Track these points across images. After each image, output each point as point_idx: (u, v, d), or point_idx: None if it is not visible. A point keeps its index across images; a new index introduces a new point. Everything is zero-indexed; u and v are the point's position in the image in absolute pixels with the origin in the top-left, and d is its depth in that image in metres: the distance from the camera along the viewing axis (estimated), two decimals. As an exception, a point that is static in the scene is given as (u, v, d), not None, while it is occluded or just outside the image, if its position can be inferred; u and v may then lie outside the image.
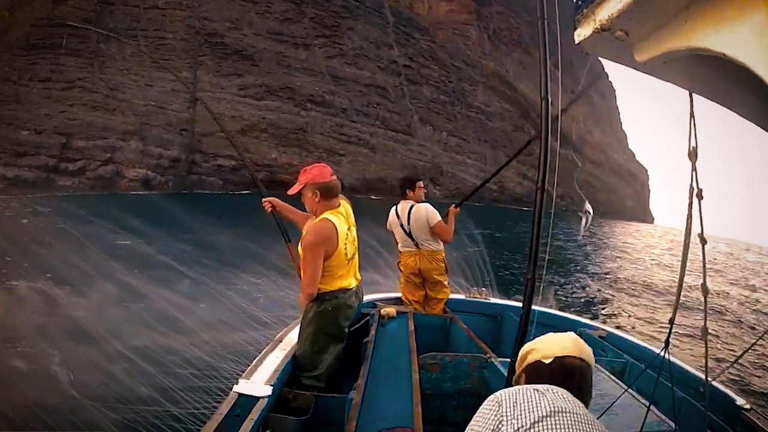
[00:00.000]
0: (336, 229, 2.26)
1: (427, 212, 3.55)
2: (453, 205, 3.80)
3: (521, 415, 0.86)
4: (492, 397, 0.95)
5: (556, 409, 0.86)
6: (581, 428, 0.84)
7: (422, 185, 3.74)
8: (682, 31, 0.80)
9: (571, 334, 1.12)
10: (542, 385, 0.96)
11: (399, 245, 3.77)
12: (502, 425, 0.86)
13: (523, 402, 0.89)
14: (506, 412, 0.88)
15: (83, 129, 30.46)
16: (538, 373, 1.05)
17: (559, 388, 0.95)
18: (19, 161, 28.21)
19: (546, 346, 1.08)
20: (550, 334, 1.13)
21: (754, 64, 0.69)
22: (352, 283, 2.45)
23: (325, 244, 2.23)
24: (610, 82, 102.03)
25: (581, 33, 0.93)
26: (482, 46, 57.68)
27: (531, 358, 1.09)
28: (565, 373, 1.02)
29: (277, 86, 38.53)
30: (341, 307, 2.38)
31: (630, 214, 79.23)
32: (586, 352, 1.08)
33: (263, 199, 2.73)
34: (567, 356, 1.05)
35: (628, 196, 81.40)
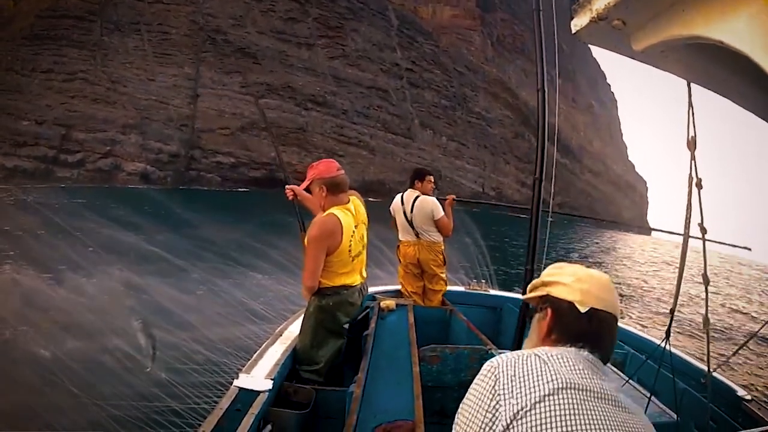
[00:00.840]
0: (341, 224, 2.23)
1: (433, 205, 3.60)
2: (451, 197, 3.85)
3: (520, 393, 0.74)
4: (488, 366, 0.82)
5: (563, 384, 0.75)
6: (590, 406, 0.74)
7: (432, 180, 3.80)
8: (679, 20, 0.80)
9: (609, 280, 0.92)
10: (543, 349, 0.84)
11: (399, 234, 3.81)
12: (500, 405, 0.75)
13: (524, 376, 0.77)
14: (504, 388, 0.76)
15: (83, 121, 30.45)
16: (565, 319, 0.88)
17: (566, 352, 0.83)
18: (18, 151, 28.16)
19: (583, 289, 0.88)
20: (584, 269, 0.93)
21: (752, 53, 0.68)
22: (356, 280, 2.42)
23: (328, 239, 2.21)
24: (612, 93, 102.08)
25: (578, 23, 0.93)
26: (485, 52, 57.88)
27: (561, 293, 0.90)
28: (596, 330, 0.86)
29: (278, 85, 38.58)
30: (342, 303, 2.36)
31: (628, 224, 79.30)
32: (618, 307, 0.92)
33: (286, 187, 2.73)
34: (604, 311, 0.87)
35: (626, 207, 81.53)
